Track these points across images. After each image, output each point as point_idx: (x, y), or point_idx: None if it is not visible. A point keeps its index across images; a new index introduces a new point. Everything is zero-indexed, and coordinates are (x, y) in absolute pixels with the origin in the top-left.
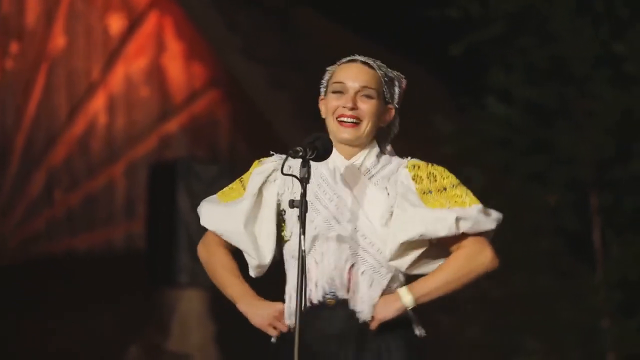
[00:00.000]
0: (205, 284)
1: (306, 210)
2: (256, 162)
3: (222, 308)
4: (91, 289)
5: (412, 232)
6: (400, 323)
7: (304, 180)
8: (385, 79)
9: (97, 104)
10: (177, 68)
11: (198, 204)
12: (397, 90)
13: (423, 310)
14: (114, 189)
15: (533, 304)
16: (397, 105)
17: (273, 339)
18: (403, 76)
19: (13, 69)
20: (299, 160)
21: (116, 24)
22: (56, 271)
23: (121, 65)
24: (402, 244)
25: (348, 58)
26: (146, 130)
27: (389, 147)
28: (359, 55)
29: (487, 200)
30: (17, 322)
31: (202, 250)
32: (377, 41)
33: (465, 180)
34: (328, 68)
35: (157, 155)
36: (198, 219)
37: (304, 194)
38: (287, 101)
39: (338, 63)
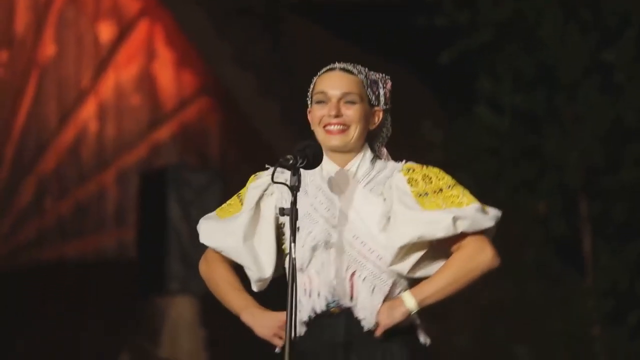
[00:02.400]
0: (196, 291)
1: (296, 219)
2: (252, 176)
3: (212, 315)
4: (82, 296)
5: (410, 235)
6: (405, 330)
7: (294, 188)
8: (368, 82)
9: (87, 112)
10: (167, 76)
11: (189, 211)
12: (382, 91)
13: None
14: (104, 197)
15: (522, 312)
16: (385, 107)
17: (277, 349)
18: (387, 76)
19: (2, 78)
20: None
21: (106, 31)
22: (47, 279)
23: (111, 73)
24: (402, 247)
25: (328, 67)
26: (136, 138)
27: (384, 151)
28: (346, 62)
29: None
30: (6, 329)
31: (203, 267)
32: (366, 49)
33: None
34: (313, 78)
35: (148, 163)
36: (189, 226)
37: (294, 202)
38: (276, 109)
39: (319, 73)
